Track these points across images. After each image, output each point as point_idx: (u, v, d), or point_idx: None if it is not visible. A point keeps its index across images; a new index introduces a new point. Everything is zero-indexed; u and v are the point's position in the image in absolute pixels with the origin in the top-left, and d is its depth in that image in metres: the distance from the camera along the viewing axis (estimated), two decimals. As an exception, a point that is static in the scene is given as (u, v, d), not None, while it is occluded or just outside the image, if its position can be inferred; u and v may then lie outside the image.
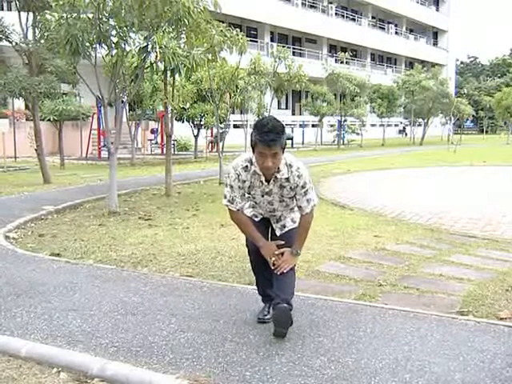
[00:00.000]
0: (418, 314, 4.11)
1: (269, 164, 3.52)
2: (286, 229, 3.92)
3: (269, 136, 3.43)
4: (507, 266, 5.74)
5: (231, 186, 3.72)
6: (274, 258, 3.72)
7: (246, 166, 3.69)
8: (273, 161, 3.52)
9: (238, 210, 3.78)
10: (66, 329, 3.82)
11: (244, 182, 3.71)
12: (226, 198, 3.76)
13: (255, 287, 4.22)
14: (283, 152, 3.58)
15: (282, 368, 3.21)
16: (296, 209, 3.89)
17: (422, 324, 3.90)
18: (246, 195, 3.82)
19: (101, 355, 3.39)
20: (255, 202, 3.91)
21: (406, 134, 48.66)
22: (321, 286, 4.98)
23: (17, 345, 3.54)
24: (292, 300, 3.77)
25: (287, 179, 3.68)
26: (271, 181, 3.69)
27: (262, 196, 3.79)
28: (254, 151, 3.58)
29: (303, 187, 3.70)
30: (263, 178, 3.69)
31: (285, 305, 3.57)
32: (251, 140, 3.57)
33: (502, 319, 4.14)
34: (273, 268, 3.73)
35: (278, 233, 3.94)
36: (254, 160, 3.65)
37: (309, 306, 4.22)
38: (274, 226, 3.96)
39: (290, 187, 3.71)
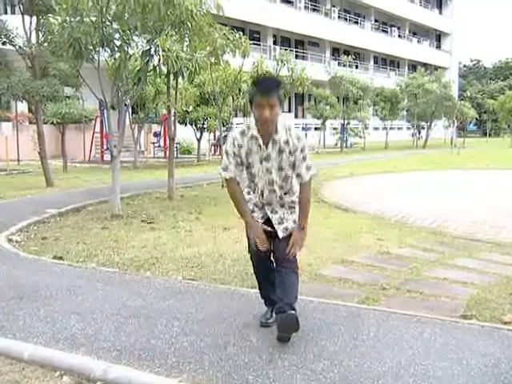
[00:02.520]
0: (421, 318, 4.10)
1: (266, 114, 3.53)
2: (288, 231, 3.84)
3: (265, 85, 3.57)
4: (511, 269, 5.72)
5: (226, 152, 3.74)
6: (257, 240, 3.73)
7: (243, 131, 3.72)
8: (270, 112, 3.55)
9: (232, 178, 3.76)
10: (68, 332, 3.82)
11: (240, 146, 3.70)
12: (221, 165, 3.80)
13: (258, 290, 4.21)
14: (280, 106, 3.63)
15: (285, 372, 3.20)
16: (297, 210, 3.84)
17: (426, 328, 3.89)
18: (245, 168, 3.76)
19: (103, 358, 3.39)
20: (253, 179, 3.79)
21: (422, 137, 48.63)
22: (324, 290, 4.96)
23: (19, 348, 3.54)
24: (295, 304, 3.72)
25: (286, 142, 3.66)
26: (269, 144, 3.67)
27: (261, 163, 3.71)
28: (252, 107, 3.63)
29: (302, 151, 3.69)
30: (261, 142, 3.67)
31: (293, 312, 3.52)
32: (249, 95, 3.67)
33: (505, 323, 4.13)
34: (255, 248, 3.76)
35: (280, 235, 3.81)
36: (251, 125, 3.69)
37: (312, 310, 4.21)
38: (276, 227, 3.84)
39: (289, 151, 3.67)
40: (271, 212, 3.86)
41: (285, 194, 3.84)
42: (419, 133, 41.72)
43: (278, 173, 3.73)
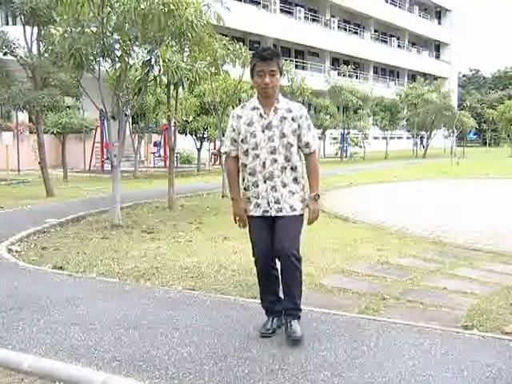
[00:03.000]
0: (422, 328, 4.08)
1: (267, 80, 3.67)
2: (282, 214, 3.77)
3: (265, 52, 3.72)
4: None
5: (228, 129, 3.90)
6: (237, 218, 3.90)
7: (244, 105, 3.90)
8: (271, 79, 3.68)
9: (226, 152, 3.92)
10: (68, 342, 3.81)
11: (240, 117, 3.80)
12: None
13: (258, 301, 4.20)
14: (280, 75, 3.76)
15: (285, 383, 3.19)
16: (297, 188, 3.82)
17: (426, 338, 3.87)
18: (249, 138, 3.76)
19: (103, 369, 3.38)
20: (255, 149, 3.75)
21: (424, 146, 48.76)
22: (324, 300, 4.95)
23: (19, 358, 3.53)
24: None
25: (288, 109, 3.77)
26: (271, 112, 3.75)
27: (263, 131, 3.74)
28: (253, 78, 3.76)
29: (307, 118, 3.81)
30: (262, 111, 3.75)
31: (299, 335, 3.73)
32: (250, 65, 3.81)
33: (507, 333, 4.11)
34: (238, 225, 3.93)
35: (273, 213, 3.77)
36: (253, 99, 3.87)
37: (312, 320, 4.20)
38: (270, 206, 3.77)
39: (292, 117, 3.75)
40: (271, 189, 3.76)
41: (288, 167, 3.78)
42: (421, 142, 41.91)
43: (281, 140, 3.75)
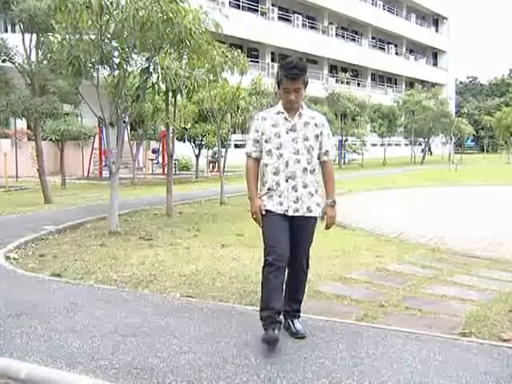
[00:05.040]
0: (420, 336, 4.08)
1: (292, 98, 3.84)
2: (298, 214, 3.87)
3: (293, 71, 3.80)
4: (510, 286, 5.71)
5: (250, 129, 4.06)
6: (254, 216, 3.94)
7: (268, 110, 4.05)
8: (295, 95, 3.85)
9: (247, 153, 4.01)
10: (66, 350, 3.80)
11: (265, 119, 3.94)
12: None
13: (256, 308, 4.19)
14: (305, 87, 3.93)
15: (284, 390, 3.18)
16: (315, 191, 3.95)
17: (425, 345, 3.87)
18: (273, 138, 3.89)
19: (101, 377, 3.37)
20: (279, 149, 3.87)
21: (431, 153, 49.11)
22: (322, 307, 4.95)
23: (16, 367, 3.51)
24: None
25: (311, 116, 3.96)
26: (295, 116, 3.91)
27: (287, 133, 3.89)
28: (279, 87, 3.92)
29: (327, 128, 4.01)
30: (287, 115, 3.91)
31: (273, 333, 3.70)
32: (276, 77, 3.92)
33: (505, 340, 4.11)
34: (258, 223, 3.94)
35: (290, 213, 3.87)
36: (277, 105, 3.99)
37: (310, 327, 4.19)
38: (288, 205, 3.86)
39: (315, 123, 3.95)
40: (292, 188, 3.88)
41: (308, 169, 3.91)
42: (429, 149, 41.96)
43: (303, 143, 3.91)
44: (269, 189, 3.92)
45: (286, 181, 3.88)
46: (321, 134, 3.96)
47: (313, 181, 3.95)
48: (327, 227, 4.06)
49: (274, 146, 3.89)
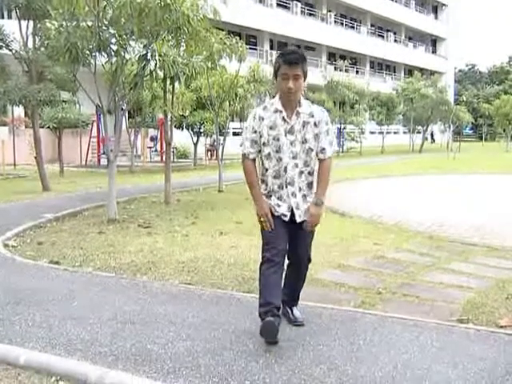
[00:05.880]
0: (417, 322, 4.10)
1: (290, 85, 3.62)
2: (297, 219, 3.82)
3: (291, 56, 3.65)
4: (507, 273, 5.73)
5: (246, 128, 3.83)
6: (262, 219, 3.76)
7: (265, 106, 3.81)
8: (294, 83, 3.63)
9: (245, 153, 3.82)
10: (64, 337, 3.81)
11: (263, 119, 3.74)
12: (241, 141, 3.88)
13: (254, 295, 4.20)
14: (304, 79, 3.71)
15: (282, 377, 3.20)
16: (310, 193, 3.85)
17: (422, 332, 3.89)
18: (271, 141, 3.72)
19: (100, 364, 3.38)
20: (278, 152, 3.73)
21: (434, 141, 49.09)
22: (320, 294, 4.96)
23: (15, 353, 3.53)
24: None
25: (310, 114, 3.74)
26: (293, 116, 3.72)
27: (285, 135, 3.72)
28: (276, 78, 3.72)
29: (327, 124, 3.79)
30: (285, 114, 3.72)
31: (270, 319, 3.55)
32: (275, 66, 3.74)
33: (502, 327, 4.14)
34: (264, 229, 3.78)
35: (297, 219, 3.81)
36: (274, 100, 3.78)
37: (308, 314, 4.21)
38: (295, 211, 3.80)
39: (314, 122, 3.74)
40: (291, 194, 3.80)
41: (305, 172, 3.81)
42: (431, 136, 41.78)
43: (302, 146, 3.75)
44: (268, 191, 3.86)
45: (286, 186, 3.79)
46: (319, 131, 3.76)
47: (310, 182, 3.84)
48: (309, 226, 3.82)
49: (273, 149, 3.74)
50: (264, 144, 3.76)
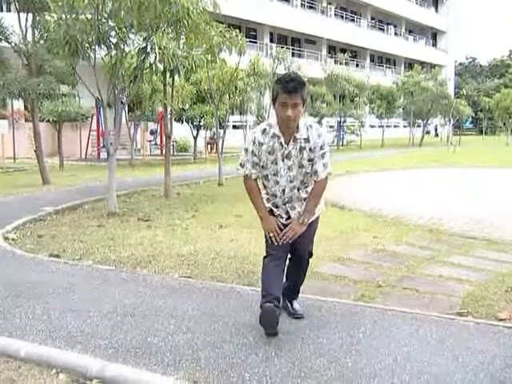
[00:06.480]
0: (417, 315, 4.11)
1: (289, 113, 3.56)
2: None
3: (290, 84, 3.56)
4: (506, 267, 5.74)
5: (246, 150, 3.80)
6: (271, 234, 3.79)
7: (265, 129, 3.76)
8: (293, 111, 3.57)
9: (247, 175, 3.83)
10: (64, 330, 3.82)
11: (262, 144, 3.73)
12: (239, 161, 3.86)
13: (254, 288, 4.21)
14: (303, 106, 3.65)
15: (282, 369, 3.21)
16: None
17: (422, 325, 3.90)
18: (270, 165, 3.75)
19: (100, 356, 3.39)
20: (276, 176, 3.77)
21: (438, 135, 49.02)
22: (320, 287, 4.97)
23: (16, 346, 3.54)
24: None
25: (306, 139, 3.69)
26: (290, 141, 3.69)
27: (283, 160, 3.73)
28: (274, 104, 3.66)
29: (322, 148, 3.73)
30: (282, 140, 3.70)
31: (269, 305, 3.59)
32: (273, 93, 3.70)
33: (501, 320, 4.15)
34: (272, 242, 3.80)
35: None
36: (273, 123, 3.72)
37: (308, 307, 4.22)
38: (290, 213, 3.87)
39: (310, 148, 3.71)
40: (291, 209, 3.88)
41: (302, 188, 3.85)
42: (434, 130, 41.50)
43: (299, 170, 3.77)
44: (268, 199, 3.92)
45: (284, 204, 3.87)
46: (314, 156, 3.73)
47: (305, 197, 3.86)
48: (285, 237, 3.78)
49: (271, 172, 3.78)
50: (263, 167, 3.80)
